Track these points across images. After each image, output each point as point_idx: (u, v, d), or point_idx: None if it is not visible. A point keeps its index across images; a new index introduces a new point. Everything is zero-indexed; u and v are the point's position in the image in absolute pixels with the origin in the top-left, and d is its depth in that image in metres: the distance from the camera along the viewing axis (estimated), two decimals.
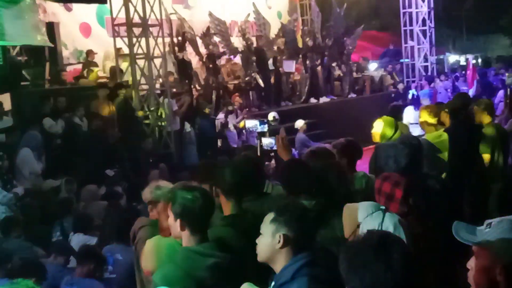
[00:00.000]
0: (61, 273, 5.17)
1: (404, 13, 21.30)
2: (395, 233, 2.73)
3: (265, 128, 4.81)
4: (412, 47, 21.60)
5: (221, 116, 12.30)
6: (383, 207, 2.89)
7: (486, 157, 6.09)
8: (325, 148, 4.81)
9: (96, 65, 13.14)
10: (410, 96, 18.44)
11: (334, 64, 16.71)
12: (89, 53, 13.11)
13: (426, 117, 5.99)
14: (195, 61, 14.13)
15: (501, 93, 16.53)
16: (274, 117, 11.60)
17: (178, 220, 2.85)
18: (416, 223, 3.13)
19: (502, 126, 7.51)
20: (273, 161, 9.35)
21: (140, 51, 11.37)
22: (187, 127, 11.84)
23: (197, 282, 2.74)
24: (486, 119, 6.38)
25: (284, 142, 4.06)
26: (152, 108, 11.53)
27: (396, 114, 7.63)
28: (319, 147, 5.03)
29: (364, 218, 2.82)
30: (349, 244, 2.12)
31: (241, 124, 11.84)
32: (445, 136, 5.80)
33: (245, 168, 3.37)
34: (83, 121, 10.34)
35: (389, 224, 2.77)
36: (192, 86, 13.33)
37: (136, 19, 11.25)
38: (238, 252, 2.89)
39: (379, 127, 5.48)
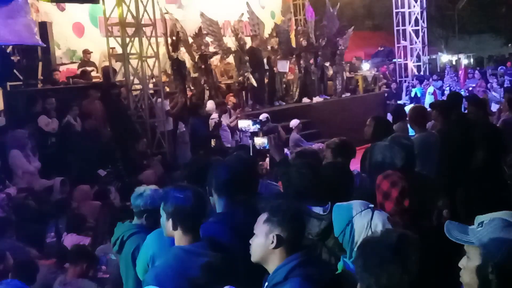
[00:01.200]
0: (54, 274, 5.16)
1: (397, 13, 21.35)
2: None
3: (258, 127, 4.82)
4: (404, 47, 21.65)
5: (214, 116, 12.29)
6: (372, 205, 2.91)
7: (480, 156, 6.11)
8: (312, 150, 4.83)
9: (93, 64, 13.10)
10: (413, 95, 18.49)
11: (327, 64, 16.73)
12: (85, 52, 13.08)
13: (420, 115, 6.02)
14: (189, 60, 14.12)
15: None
16: (267, 117, 11.61)
17: (170, 220, 2.85)
18: (411, 223, 3.14)
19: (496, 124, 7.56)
20: (267, 160, 9.34)
21: (133, 50, 11.35)
22: (181, 127, 11.83)
23: (189, 281, 2.74)
24: (480, 117, 6.42)
25: (277, 142, 4.06)
26: (145, 108, 11.51)
27: (400, 113, 7.71)
28: (306, 149, 5.04)
29: (353, 216, 2.84)
30: (365, 242, 2.10)
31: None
32: (435, 135, 5.83)
33: (236, 167, 3.37)
34: (76, 121, 10.31)
35: (378, 221, 2.79)
36: (186, 86, 13.33)
37: (129, 19, 11.22)
38: (230, 250, 2.89)
39: (372, 126, 5.50)
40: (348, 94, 17.16)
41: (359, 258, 1.95)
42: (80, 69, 12.47)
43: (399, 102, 17.31)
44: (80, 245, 5.71)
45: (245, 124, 5.16)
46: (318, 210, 3.17)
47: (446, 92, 17.40)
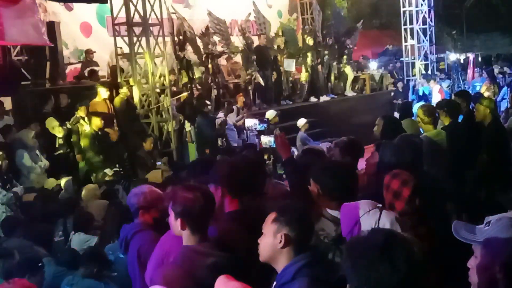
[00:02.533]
0: (62, 273, 5.17)
1: (404, 12, 21.29)
2: None
3: (264, 126, 4.84)
4: (412, 46, 21.58)
5: (221, 115, 12.32)
6: (380, 205, 2.88)
7: (487, 156, 6.09)
8: (318, 149, 4.80)
9: (96, 64, 13.14)
10: (421, 93, 18.42)
11: (334, 63, 16.70)
12: (88, 52, 13.12)
13: (422, 115, 5.99)
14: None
15: (503, 90, 16.58)
16: (271, 117, 11.56)
17: (179, 219, 2.85)
18: (419, 223, 3.12)
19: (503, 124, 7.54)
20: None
21: (140, 50, 11.38)
22: (187, 126, 11.85)
23: (196, 281, 2.74)
24: (488, 116, 6.39)
25: (283, 140, 4.05)
26: (152, 107, 11.53)
27: (407, 111, 7.71)
28: (312, 147, 5.02)
29: (361, 216, 2.82)
30: (353, 242, 2.06)
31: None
32: (443, 134, 5.81)
33: (245, 167, 3.36)
34: (85, 120, 10.34)
35: (386, 221, 2.77)
36: (193, 85, 13.36)
37: (137, 19, 11.25)
38: (242, 248, 2.88)
39: (381, 125, 5.49)
40: (354, 94, 17.13)
41: (347, 259, 1.91)
42: (88, 69, 12.48)
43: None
44: (94, 247, 5.77)
45: (251, 123, 5.17)
46: (335, 213, 3.14)
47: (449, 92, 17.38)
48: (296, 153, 10.03)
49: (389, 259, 1.82)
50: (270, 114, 11.81)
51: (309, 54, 15.59)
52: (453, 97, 8.80)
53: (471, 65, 19.85)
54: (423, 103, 14.23)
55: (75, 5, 13.41)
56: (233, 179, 3.20)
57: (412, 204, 3.13)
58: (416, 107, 12.32)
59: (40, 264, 4.90)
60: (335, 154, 4.70)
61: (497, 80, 19.01)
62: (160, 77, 12.07)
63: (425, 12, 21.13)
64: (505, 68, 21.13)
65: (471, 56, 22.38)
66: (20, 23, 8.40)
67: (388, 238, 1.91)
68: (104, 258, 5.21)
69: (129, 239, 3.92)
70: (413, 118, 7.11)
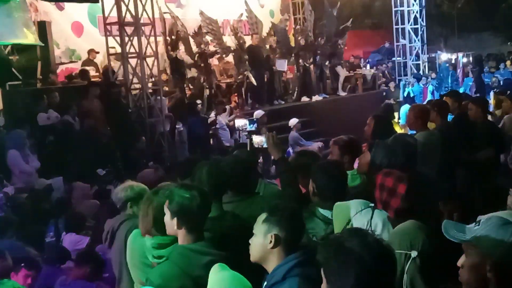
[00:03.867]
0: (55, 273, 5.16)
1: (396, 12, 21.34)
2: (384, 229, 2.74)
3: (255, 126, 4.87)
4: (404, 46, 21.64)
5: (213, 115, 12.32)
6: (372, 204, 2.88)
7: (479, 154, 6.11)
8: (312, 151, 4.80)
9: (95, 64, 13.11)
10: (405, 94, 18.48)
11: (326, 63, 16.72)
12: (90, 52, 13.09)
13: (422, 114, 5.97)
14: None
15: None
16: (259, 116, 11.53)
17: (175, 219, 2.84)
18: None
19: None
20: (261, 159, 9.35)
21: (132, 50, 11.34)
22: (180, 126, 11.83)
23: (193, 279, 2.74)
24: (480, 117, 6.41)
25: (275, 140, 4.04)
26: (144, 107, 11.50)
27: (389, 112, 7.69)
28: (306, 150, 5.02)
29: (353, 215, 2.82)
30: (340, 240, 1.97)
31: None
32: (436, 134, 5.81)
33: (233, 168, 3.35)
34: (75, 120, 10.31)
35: (378, 220, 2.78)
36: (185, 85, 13.34)
37: (128, 18, 11.21)
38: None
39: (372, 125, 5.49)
40: (346, 93, 17.16)
41: (331, 259, 1.88)
42: (80, 68, 12.46)
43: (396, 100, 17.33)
44: (88, 248, 5.76)
45: (242, 123, 5.15)
46: (326, 213, 3.13)
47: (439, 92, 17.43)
48: (291, 153, 10.06)
49: (379, 263, 1.82)
50: (258, 114, 11.79)
51: (301, 54, 15.60)
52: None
53: (461, 65, 19.97)
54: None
55: (67, 5, 13.36)
56: (212, 181, 3.20)
57: (409, 201, 3.10)
58: (405, 109, 12.40)
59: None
60: (333, 152, 4.67)
61: (487, 80, 19.08)
62: (152, 77, 12.04)
63: (417, 12, 21.21)
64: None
65: (459, 55, 22.51)
66: (10, 22, 8.37)
67: (377, 240, 1.90)
68: (99, 259, 5.20)
69: (115, 230, 3.97)
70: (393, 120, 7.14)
